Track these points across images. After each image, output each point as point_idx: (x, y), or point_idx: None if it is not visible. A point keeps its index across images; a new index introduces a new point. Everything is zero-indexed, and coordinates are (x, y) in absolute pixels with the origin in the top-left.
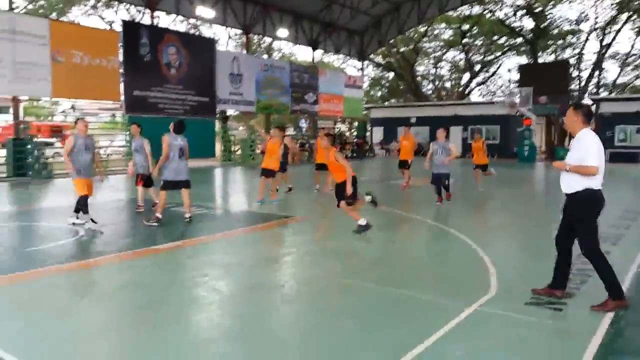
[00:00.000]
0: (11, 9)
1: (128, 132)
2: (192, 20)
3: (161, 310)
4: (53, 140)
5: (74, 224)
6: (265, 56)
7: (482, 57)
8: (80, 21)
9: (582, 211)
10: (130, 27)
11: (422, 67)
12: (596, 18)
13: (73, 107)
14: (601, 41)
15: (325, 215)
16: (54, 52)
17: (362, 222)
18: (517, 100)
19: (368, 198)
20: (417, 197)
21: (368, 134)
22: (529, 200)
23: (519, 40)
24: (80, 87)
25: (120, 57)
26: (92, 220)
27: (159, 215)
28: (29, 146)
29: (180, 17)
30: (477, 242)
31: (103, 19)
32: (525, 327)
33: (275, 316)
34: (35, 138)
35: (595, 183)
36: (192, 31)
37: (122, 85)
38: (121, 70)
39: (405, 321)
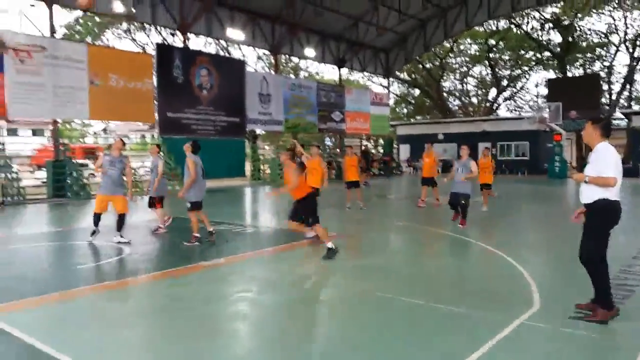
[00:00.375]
0: (52, 35)
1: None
2: (221, 42)
3: (209, 323)
4: (87, 162)
5: (119, 242)
6: (292, 76)
7: (509, 71)
8: (114, 44)
9: (597, 220)
10: (164, 50)
11: (448, 83)
12: (626, 30)
13: (104, 129)
14: (632, 53)
15: (359, 233)
16: (92, 75)
17: (309, 234)
18: (546, 115)
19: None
20: (448, 214)
21: (395, 151)
22: (562, 215)
23: (547, 54)
24: (116, 109)
25: (154, 80)
26: (92, 233)
27: (197, 234)
28: (67, 168)
29: (210, 39)
30: (514, 258)
31: (135, 41)
32: (572, 341)
33: (321, 331)
34: (74, 160)
35: (611, 194)
36: (221, 53)
37: (156, 107)
38: (155, 92)
39: (450, 335)
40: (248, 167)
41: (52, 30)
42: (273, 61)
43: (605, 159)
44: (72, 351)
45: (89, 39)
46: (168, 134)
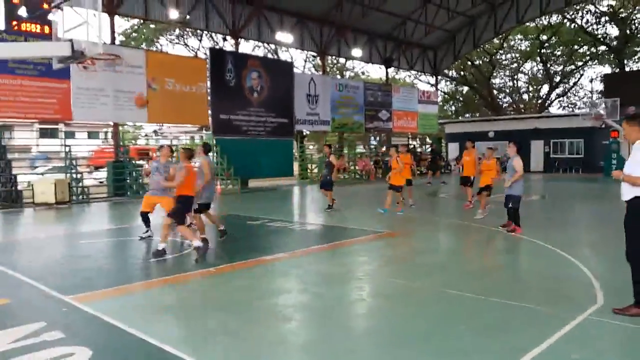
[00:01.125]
0: (112, 42)
1: (215, 153)
2: (269, 45)
3: (276, 312)
4: (141, 162)
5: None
6: (338, 76)
7: (562, 67)
8: (167, 50)
9: (632, 218)
10: (217, 55)
11: (498, 80)
12: None
13: (155, 131)
14: None
15: (417, 231)
16: (150, 80)
17: (161, 246)
18: (602, 111)
19: (197, 243)
20: (497, 212)
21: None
22: (618, 214)
23: (603, 48)
24: (172, 112)
25: (208, 83)
26: (145, 232)
27: (221, 227)
28: (126, 168)
29: (258, 43)
30: (573, 255)
31: (187, 46)
32: (638, 335)
33: (388, 322)
34: (134, 161)
35: None
36: (269, 55)
37: (209, 109)
38: (209, 95)
39: (516, 328)
40: (296, 167)
41: (113, 38)
42: (320, 62)
43: (636, 157)
44: (157, 335)
45: (144, 45)
46: (221, 135)
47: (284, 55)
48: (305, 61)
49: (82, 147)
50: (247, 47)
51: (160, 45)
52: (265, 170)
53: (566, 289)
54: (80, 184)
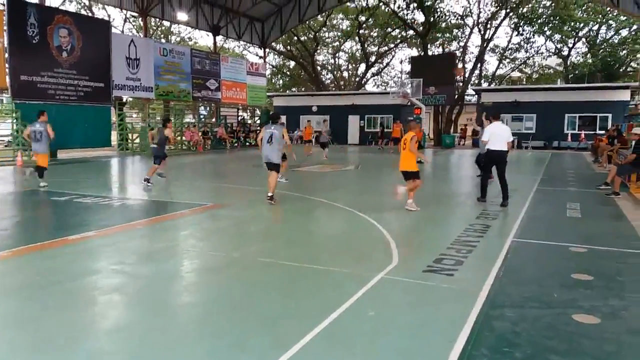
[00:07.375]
0: None
1: (15, 120)
2: (83, 1)
3: (82, 295)
4: None
5: None
6: (163, 40)
7: (377, 48)
8: None
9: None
10: (17, 5)
11: (321, 57)
12: (479, 13)
13: None
14: (483, 35)
15: (241, 202)
16: None
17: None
18: (408, 90)
19: None
20: (323, 183)
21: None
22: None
23: (411, 32)
24: None
25: (5, 38)
26: None
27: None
28: None
29: None
30: (378, 220)
31: None
32: (425, 290)
33: (208, 293)
34: None
35: (490, 146)
36: (82, 12)
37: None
38: (6, 53)
39: (323, 290)
40: (114, 136)
41: None
42: (141, 24)
43: (485, 131)
44: None
45: None
46: (23, 99)
47: (100, 14)
48: (125, 21)
49: None
50: (55, 1)
51: None
52: (78, 139)
53: (369, 252)
54: None
